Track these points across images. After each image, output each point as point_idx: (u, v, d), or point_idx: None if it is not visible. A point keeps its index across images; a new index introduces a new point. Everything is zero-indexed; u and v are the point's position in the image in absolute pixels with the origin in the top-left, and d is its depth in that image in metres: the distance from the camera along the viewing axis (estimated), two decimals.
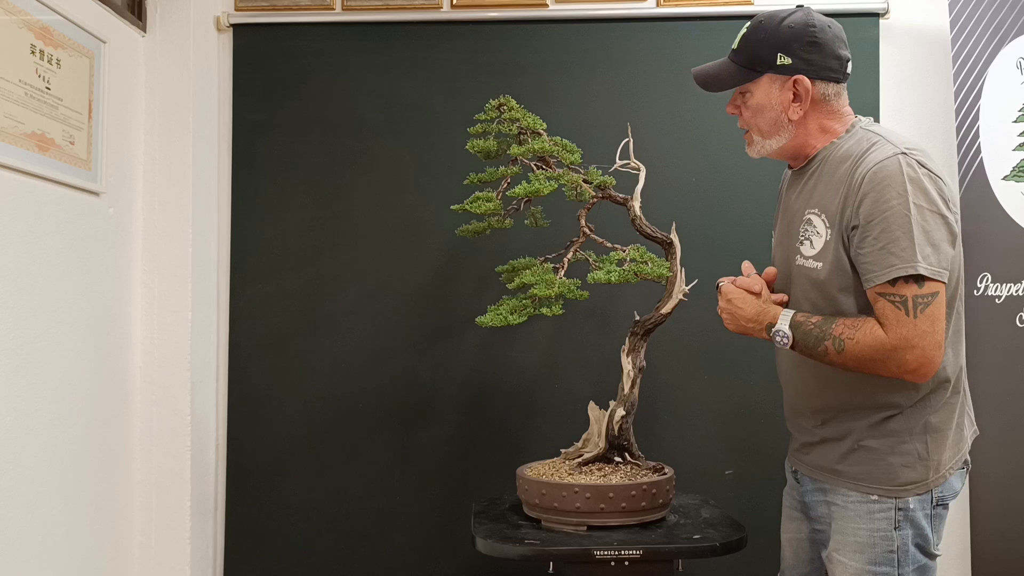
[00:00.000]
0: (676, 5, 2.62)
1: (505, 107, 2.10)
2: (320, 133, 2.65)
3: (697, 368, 2.57)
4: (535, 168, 2.06)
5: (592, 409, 2.08)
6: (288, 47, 2.66)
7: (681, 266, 2.00)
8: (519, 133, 2.09)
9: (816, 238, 1.62)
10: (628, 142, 2.08)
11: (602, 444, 2.03)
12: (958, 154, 2.47)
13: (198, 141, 2.49)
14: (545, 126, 2.09)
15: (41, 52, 1.97)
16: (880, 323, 1.51)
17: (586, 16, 2.63)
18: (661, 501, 1.95)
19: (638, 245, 2.02)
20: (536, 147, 2.03)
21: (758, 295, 1.69)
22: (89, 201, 2.18)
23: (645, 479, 1.93)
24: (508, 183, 2.09)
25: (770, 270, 1.76)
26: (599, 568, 1.80)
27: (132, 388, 2.40)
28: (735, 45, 1.71)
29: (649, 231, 2.02)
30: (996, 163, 2.36)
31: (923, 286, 1.48)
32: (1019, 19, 2.33)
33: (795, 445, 1.79)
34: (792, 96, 1.65)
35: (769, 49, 1.65)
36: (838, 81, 1.66)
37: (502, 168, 2.10)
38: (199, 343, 2.49)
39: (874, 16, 2.58)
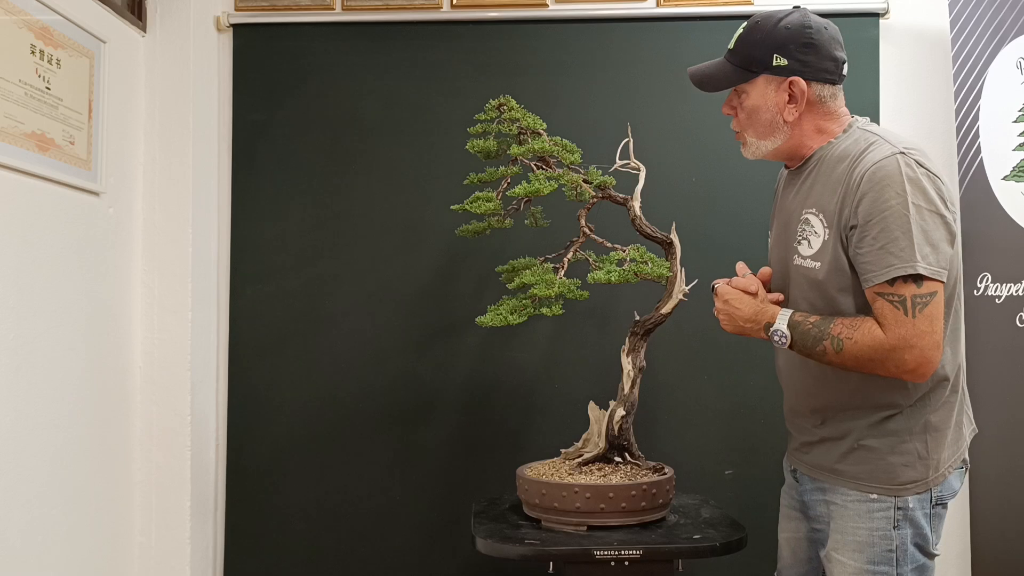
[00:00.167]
0: (676, 5, 2.62)
1: (505, 107, 2.10)
2: (320, 133, 2.65)
3: (697, 368, 2.57)
4: (535, 168, 2.06)
5: (592, 409, 2.08)
6: (288, 47, 2.66)
7: (681, 266, 2.00)
8: (519, 133, 2.09)
9: (814, 238, 1.62)
10: (628, 142, 2.08)
11: (602, 444, 2.03)
12: (958, 154, 2.47)
13: (198, 141, 2.49)
14: (545, 126, 2.09)
15: (41, 52, 1.97)
16: (879, 323, 1.51)
17: (586, 16, 2.63)
18: (661, 501, 1.95)
19: (638, 245, 2.02)
20: (536, 147, 2.03)
21: (755, 295, 1.69)
22: (89, 201, 2.18)
23: (645, 479, 1.93)
24: (508, 183, 2.09)
25: (765, 270, 1.76)
26: (599, 568, 1.80)
27: (132, 388, 2.40)
28: (731, 45, 1.71)
29: (649, 231, 2.02)
30: (996, 163, 2.36)
31: (922, 286, 1.48)
32: (1019, 19, 2.33)
33: (794, 444, 1.79)
34: (788, 97, 1.65)
35: (765, 50, 1.65)
36: (834, 82, 1.66)
37: (502, 168, 2.10)
38: (199, 343, 2.49)
39: (874, 16, 2.58)
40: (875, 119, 2.53)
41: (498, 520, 2.02)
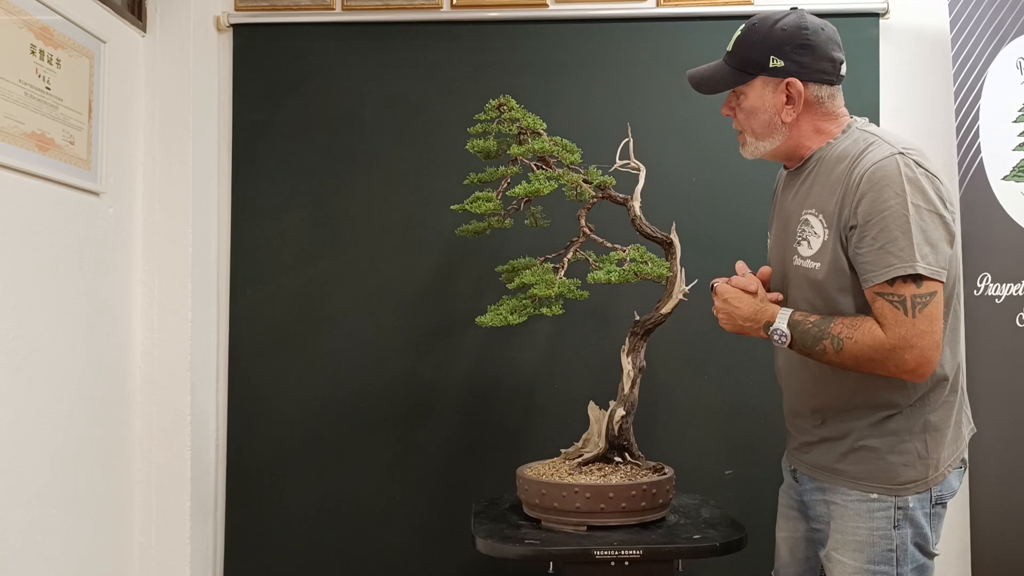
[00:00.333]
0: (676, 5, 2.62)
1: (505, 107, 2.10)
2: (320, 133, 2.65)
3: (697, 368, 2.57)
4: (535, 168, 2.06)
5: (592, 409, 2.08)
6: (288, 47, 2.66)
7: (681, 266, 2.00)
8: (519, 133, 2.09)
9: (814, 238, 1.63)
10: (628, 142, 2.08)
11: (602, 444, 2.03)
12: (958, 154, 2.47)
13: (198, 141, 2.50)
14: (545, 126, 2.09)
15: (41, 52, 1.97)
16: (879, 323, 1.51)
17: (586, 16, 2.63)
18: (661, 501, 1.95)
19: (638, 245, 2.02)
20: (536, 147, 2.03)
21: (754, 294, 1.69)
22: (89, 201, 2.18)
23: (645, 479, 1.93)
24: (508, 183, 2.09)
25: (765, 269, 1.76)
26: (599, 568, 1.80)
27: (132, 388, 2.40)
28: (729, 47, 1.72)
29: (649, 231, 2.02)
30: (996, 163, 2.36)
31: (921, 286, 1.48)
32: (1019, 19, 2.33)
33: (794, 444, 1.79)
34: (785, 99, 1.66)
35: (762, 52, 1.65)
36: (832, 83, 1.67)
37: (502, 168, 2.10)
38: (199, 343, 2.49)
39: (874, 16, 2.59)
40: (875, 119, 2.53)
41: (498, 520, 2.02)
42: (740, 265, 1.77)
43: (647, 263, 1.98)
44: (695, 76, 1.76)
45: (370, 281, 2.63)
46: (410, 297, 2.61)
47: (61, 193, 2.06)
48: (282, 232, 2.65)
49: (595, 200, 2.06)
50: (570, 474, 1.98)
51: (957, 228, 1.58)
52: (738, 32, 1.71)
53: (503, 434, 2.58)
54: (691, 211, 2.51)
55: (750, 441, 2.54)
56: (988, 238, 2.36)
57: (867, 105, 2.53)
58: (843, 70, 1.68)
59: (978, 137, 2.41)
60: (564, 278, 2.01)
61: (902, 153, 1.53)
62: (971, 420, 1.72)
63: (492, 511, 2.10)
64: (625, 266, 1.98)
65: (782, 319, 1.62)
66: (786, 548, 1.83)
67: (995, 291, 2.33)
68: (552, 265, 2.05)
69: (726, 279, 1.75)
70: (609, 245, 2.05)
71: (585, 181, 2.04)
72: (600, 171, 2.06)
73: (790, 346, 1.62)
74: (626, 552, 1.79)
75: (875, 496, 1.59)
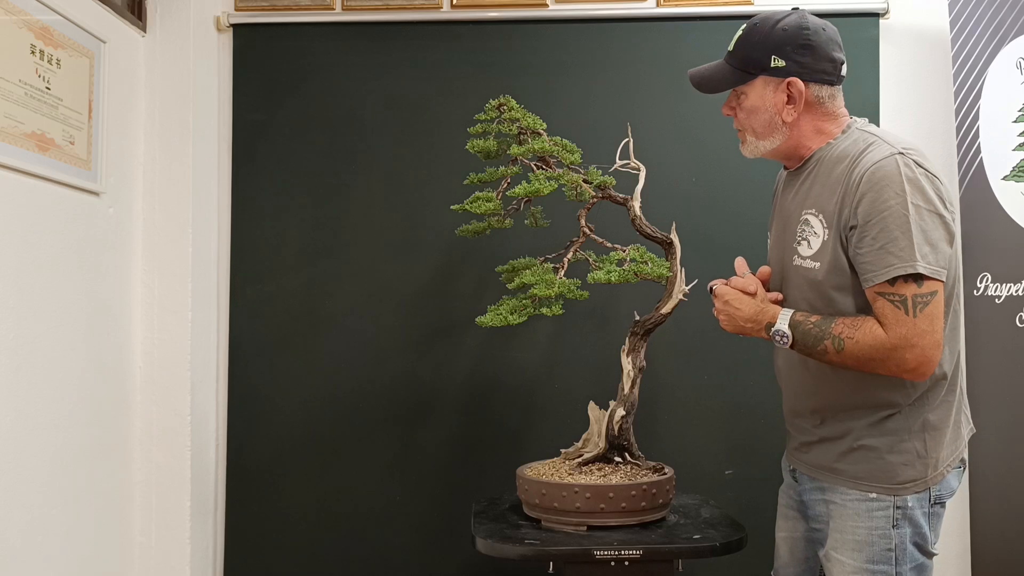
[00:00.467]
0: (676, 5, 2.62)
1: (505, 107, 2.10)
2: (320, 133, 2.65)
3: (697, 368, 2.57)
4: (535, 168, 2.06)
5: (592, 409, 2.08)
6: (288, 47, 2.66)
7: (681, 266, 2.00)
8: (519, 133, 2.09)
9: (814, 238, 1.63)
10: (628, 142, 2.08)
11: (602, 444, 2.03)
12: (958, 154, 2.47)
13: (198, 141, 2.49)
14: (545, 126, 2.09)
15: (41, 52, 1.97)
16: (879, 322, 1.51)
17: (586, 16, 2.63)
18: (661, 501, 1.95)
19: (638, 245, 2.02)
20: (536, 147, 2.03)
21: (753, 295, 1.69)
22: (89, 201, 2.18)
23: (645, 479, 1.93)
24: (508, 183, 2.09)
25: (764, 269, 1.76)
26: (599, 568, 1.80)
27: (132, 388, 2.40)
28: (731, 47, 1.72)
29: (649, 231, 2.02)
30: (996, 163, 2.36)
31: (922, 285, 1.49)
32: (1019, 19, 2.33)
33: (794, 444, 1.79)
34: (786, 98, 1.66)
35: (763, 51, 1.66)
36: (832, 83, 1.67)
37: (502, 168, 2.10)
38: (199, 343, 2.49)
39: (874, 16, 2.59)
40: (875, 119, 2.53)
41: (498, 520, 2.02)
42: (739, 261, 1.77)
43: (647, 263, 1.98)
44: (696, 75, 1.77)
45: (370, 281, 2.63)
46: (410, 297, 2.61)
47: (61, 193, 2.06)
48: (282, 232, 2.65)
49: (595, 200, 2.06)
50: (570, 474, 1.98)
51: (957, 228, 1.59)
52: (739, 32, 1.72)
53: (503, 434, 2.58)
54: (691, 211, 2.51)
55: (750, 441, 2.54)
56: (988, 238, 2.36)
57: (867, 105, 2.53)
58: (844, 71, 1.68)
59: (978, 137, 2.41)
60: (564, 278, 2.01)
61: (902, 153, 1.53)
62: (971, 421, 1.72)
63: (492, 511, 2.10)
64: (625, 266, 1.98)
65: (783, 320, 1.62)
66: (786, 548, 1.84)
67: (995, 291, 2.33)
68: (552, 265, 2.05)
69: (724, 280, 1.75)
70: (609, 245, 2.05)
71: (585, 181, 2.04)
72: (600, 171, 2.06)
73: (791, 346, 1.62)
74: (626, 552, 1.79)
75: (874, 495, 1.59)
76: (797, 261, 1.67)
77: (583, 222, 2.07)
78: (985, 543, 2.37)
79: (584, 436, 2.09)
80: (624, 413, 2.01)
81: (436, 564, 2.58)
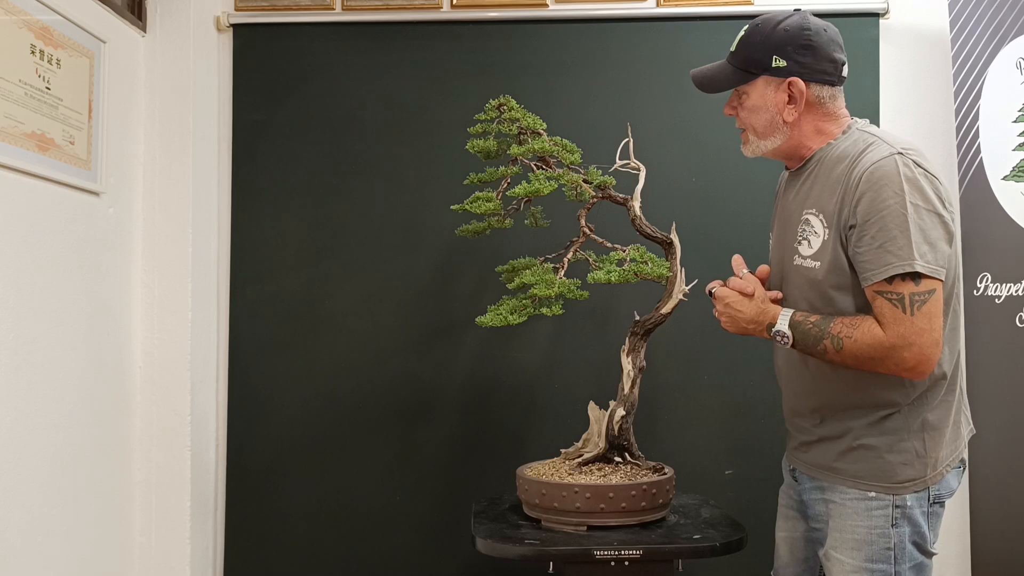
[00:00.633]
0: (676, 5, 2.62)
1: (505, 107, 2.10)
2: (320, 133, 2.65)
3: (697, 368, 2.57)
4: (535, 168, 2.06)
5: (592, 409, 2.08)
6: (288, 47, 2.66)
7: (681, 266, 2.00)
8: (519, 133, 2.09)
9: (814, 238, 1.63)
10: (628, 142, 2.08)
11: (602, 444, 2.03)
12: (958, 154, 2.47)
13: (198, 141, 2.50)
14: (545, 126, 2.09)
15: (41, 52, 1.97)
16: (878, 321, 1.52)
17: (586, 16, 2.63)
18: (661, 501, 1.95)
19: (638, 245, 2.02)
20: (536, 147, 2.03)
21: (752, 295, 1.69)
22: (89, 201, 2.18)
23: (645, 479, 1.93)
24: (508, 183, 2.09)
25: (763, 268, 1.77)
26: (599, 568, 1.80)
27: (132, 388, 2.40)
28: (732, 47, 1.73)
29: (649, 231, 2.02)
30: (996, 163, 2.36)
31: (920, 284, 1.49)
32: (1019, 19, 2.33)
33: (794, 444, 1.79)
34: (787, 98, 1.67)
35: (764, 52, 1.66)
36: (833, 84, 1.68)
37: (502, 168, 2.10)
38: (199, 343, 2.49)
39: (874, 16, 2.59)
40: (875, 119, 2.53)
41: (498, 520, 2.02)
42: (737, 259, 1.78)
43: (647, 263, 1.98)
44: (699, 75, 1.78)
45: (370, 281, 2.63)
46: (410, 297, 2.62)
47: (61, 193, 2.06)
48: (282, 232, 2.65)
49: (595, 200, 2.06)
50: (570, 474, 1.98)
51: (956, 228, 1.59)
52: (741, 32, 1.73)
53: (503, 434, 2.58)
54: (691, 211, 2.51)
55: (750, 441, 2.54)
56: (988, 238, 2.36)
57: (867, 105, 2.53)
58: (844, 71, 1.69)
59: (978, 137, 2.41)
60: (564, 278, 2.01)
61: (901, 153, 1.54)
62: (971, 421, 1.73)
63: (492, 511, 2.10)
64: (625, 266, 1.98)
65: (783, 320, 1.62)
66: (785, 548, 1.84)
67: (995, 291, 2.33)
68: (552, 265, 2.05)
69: (722, 282, 1.75)
70: (609, 245, 2.05)
71: (585, 181, 2.04)
72: (600, 171, 2.06)
73: (792, 346, 1.63)
74: (626, 552, 1.79)
75: (873, 495, 1.59)
76: (797, 261, 1.67)
77: (583, 222, 2.07)
78: (985, 543, 2.37)
79: (584, 436, 2.09)
80: (624, 413, 2.01)
81: (436, 564, 2.58)
